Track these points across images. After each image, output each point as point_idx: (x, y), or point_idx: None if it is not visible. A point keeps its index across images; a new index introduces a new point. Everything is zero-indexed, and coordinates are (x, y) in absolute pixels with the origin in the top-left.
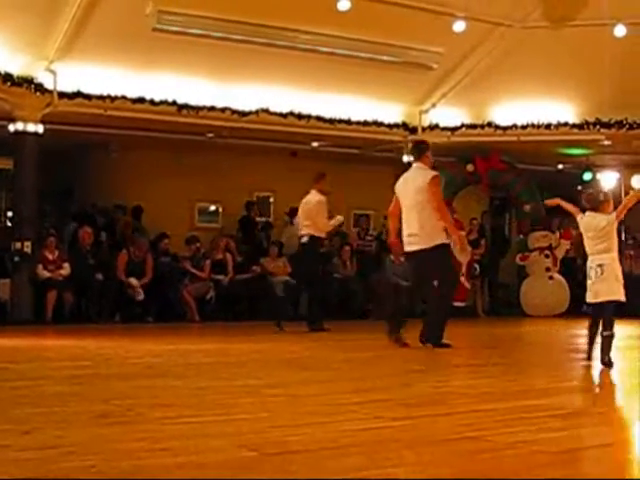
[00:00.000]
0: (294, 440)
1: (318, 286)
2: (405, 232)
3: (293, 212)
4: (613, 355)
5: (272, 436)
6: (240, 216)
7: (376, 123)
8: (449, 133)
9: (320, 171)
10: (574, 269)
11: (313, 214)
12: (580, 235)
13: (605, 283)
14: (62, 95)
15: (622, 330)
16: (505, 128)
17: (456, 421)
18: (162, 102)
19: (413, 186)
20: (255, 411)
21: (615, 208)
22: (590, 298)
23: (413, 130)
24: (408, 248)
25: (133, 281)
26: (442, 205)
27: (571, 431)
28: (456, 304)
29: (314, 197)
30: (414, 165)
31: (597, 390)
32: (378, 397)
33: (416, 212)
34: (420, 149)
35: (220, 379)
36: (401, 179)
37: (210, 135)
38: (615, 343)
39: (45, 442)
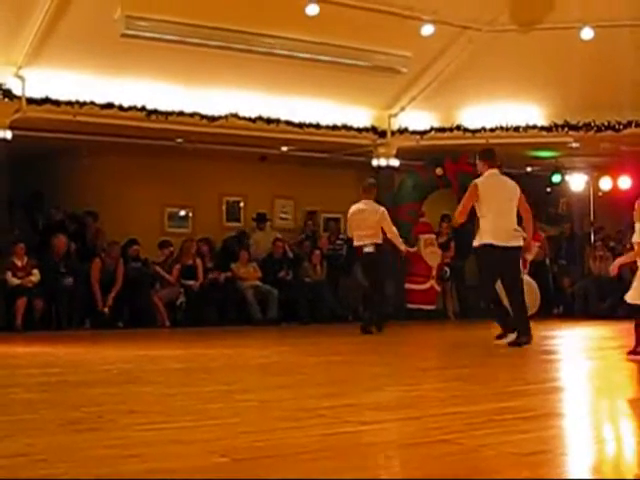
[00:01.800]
0: (265, 445)
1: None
2: (501, 229)
3: (260, 218)
4: (585, 356)
5: (243, 441)
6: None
7: (345, 127)
8: (418, 137)
9: (370, 180)
10: (544, 271)
11: (380, 223)
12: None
13: None
14: (31, 101)
15: (593, 331)
16: (474, 131)
17: (426, 424)
18: (131, 107)
19: (507, 191)
20: (225, 416)
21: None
22: None
23: (382, 134)
24: (505, 244)
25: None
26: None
27: (540, 433)
28: (426, 307)
29: (374, 207)
30: (493, 171)
31: (567, 392)
32: (348, 401)
33: (511, 214)
34: (494, 155)
35: (190, 385)
36: (490, 180)
37: (179, 140)
38: (585, 344)
39: (15, 450)
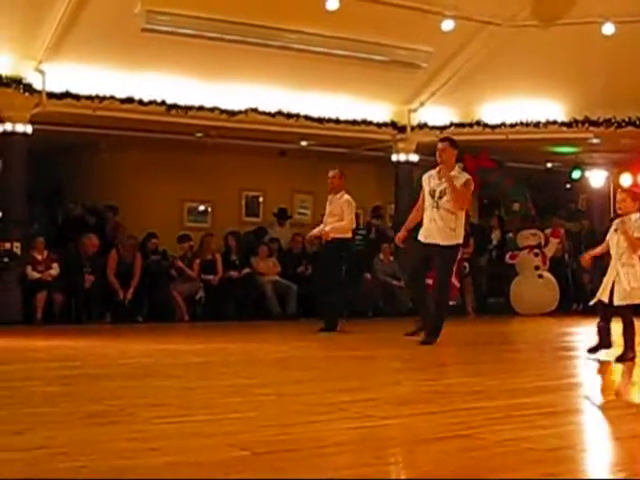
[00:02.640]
0: (285, 439)
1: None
2: None
3: (282, 213)
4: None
5: (263, 435)
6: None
7: (365, 122)
8: (438, 132)
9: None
10: (563, 267)
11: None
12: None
13: None
14: (51, 95)
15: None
16: (494, 127)
17: (446, 419)
18: (151, 102)
19: None
20: (245, 410)
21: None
22: None
23: (402, 129)
24: None
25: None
26: None
27: (559, 429)
28: None
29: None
30: None
31: (586, 389)
32: (368, 396)
33: None
34: None
35: (210, 379)
36: None
37: (199, 135)
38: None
39: (35, 443)
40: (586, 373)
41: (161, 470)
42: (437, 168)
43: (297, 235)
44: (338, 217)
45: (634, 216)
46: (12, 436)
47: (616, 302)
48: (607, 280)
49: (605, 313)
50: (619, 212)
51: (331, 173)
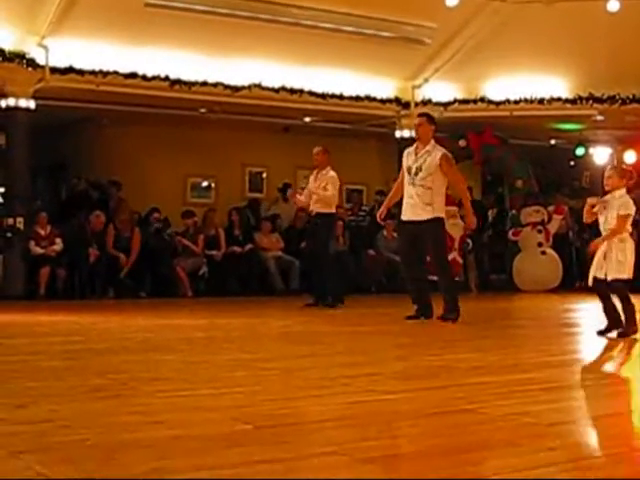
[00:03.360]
0: (288, 413)
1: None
2: None
3: (286, 188)
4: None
5: (266, 409)
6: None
7: (368, 98)
8: (442, 108)
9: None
10: (567, 244)
11: None
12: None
13: None
14: (54, 70)
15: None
16: (498, 103)
17: (449, 394)
18: (154, 77)
19: None
20: (248, 384)
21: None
22: None
23: (406, 105)
24: None
25: (122, 257)
26: None
27: (562, 404)
28: None
29: None
30: None
31: (588, 364)
32: (371, 371)
33: None
34: None
35: (213, 353)
36: None
37: (202, 110)
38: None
39: (40, 416)
40: (588, 349)
41: (164, 443)
42: (415, 144)
43: (300, 211)
44: (323, 190)
45: (618, 193)
46: (16, 409)
47: (609, 277)
48: (599, 256)
49: (604, 291)
50: (606, 188)
51: (315, 150)
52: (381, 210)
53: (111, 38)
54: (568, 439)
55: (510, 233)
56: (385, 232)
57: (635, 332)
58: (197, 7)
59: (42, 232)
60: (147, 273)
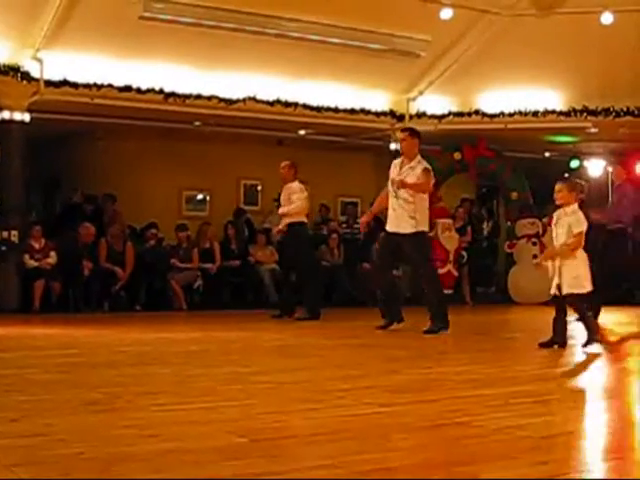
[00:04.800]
0: (283, 426)
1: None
2: None
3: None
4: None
5: (261, 422)
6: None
7: (363, 111)
8: (436, 121)
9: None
10: None
11: None
12: None
13: None
14: (49, 83)
15: (609, 317)
16: (492, 116)
17: (443, 407)
18: (149, 90)
19: None
20: (243, 398)
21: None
22: None
23: (400, 118)
24: None
25: (118, 270)
26: None
27: (557, 417)
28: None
29: None
30: None
31: (583, 376)
32: (365, 384)
33: None
34: None
35: (208, 367)
36: None
37: (197, 123)
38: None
39: (34, 430)
40: (583, 362)
41: (159, 456)
42: (401, 158)
43: None
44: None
45: (570, 209)
46: (10, 423)
47: (564, 292)
48: (552, 270)
49: (559, 305)
50: (557, 202)
51: (282, 164)
52: (366, 217)
53: (106, 51)
54: (562, 452)
55: (505, 245)
56: (377, 245)
57: (598, 341)
58: (191, 20)
59: (36, 245)
60: (142, 286)
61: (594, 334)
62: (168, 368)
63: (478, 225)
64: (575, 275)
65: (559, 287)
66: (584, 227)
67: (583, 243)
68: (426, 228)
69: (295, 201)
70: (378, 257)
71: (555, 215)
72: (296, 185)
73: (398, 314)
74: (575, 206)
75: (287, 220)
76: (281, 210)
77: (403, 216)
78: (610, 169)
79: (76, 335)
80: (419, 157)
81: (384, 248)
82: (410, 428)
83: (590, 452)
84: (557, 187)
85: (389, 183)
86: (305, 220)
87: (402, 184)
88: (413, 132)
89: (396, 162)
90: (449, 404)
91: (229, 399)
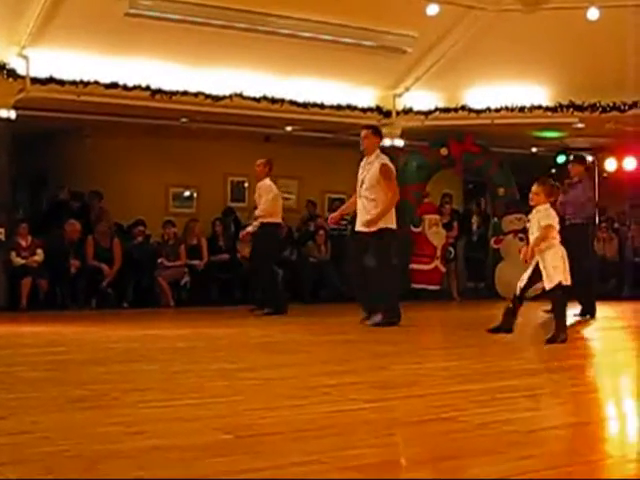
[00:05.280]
0: (269, 422)
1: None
2: None
3: None
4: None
5: (246, 419)
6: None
7: (350, 107)
8: (423, 117)
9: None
10: None
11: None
12: None
13: None
14: (35, 81)
15: (597, 311)
16: (479, 111)
17: (430, 402)
18: (135, 87)
19: None
20: (229, 394)
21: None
22: None
23: (387, 114)
24: None
25: (105, 268)
26: None
27: (543, 411)
28: (431, 287)
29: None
30: None
31: (571, 371)
32: (351, 380)
33: None
34: None
35: (194, 363)
36: None
37: (184, 120)
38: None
39: (20, 427)
40: (570, 356)
41: (145, 453)
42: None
43: (282, 220)
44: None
45: (542, 207)
46: None
47: (547, 287)
48: (528, 270)
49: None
50: (531, 203)
51: (257, 162)
52: (335, 214)
53: (92, 48)
54: (548, 446)
55: (492, 241)
56: None
57: (564, 341)
58: (177, 17)
59: (23, 243)
60: (129, 283)
61: (563, 333)
62: (155, 365)
63: (466, 219)
64: (555, 264)
65: (526, 286)
66: (552, 221)
67: (557, 236)
68: (390, 225)
69: (262, 202)
70: (352, 259)
71: (530, 216)
72: (265, 184)
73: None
74: (547, 205)
75: (260, 221)
76: (256, 212)
77: (366, 215)
78: (569, 166)
79: (63, 332)
80: (377, 152)
81: (355, 250)
82: (396, 424)
83: (577, 447)
84: (535, 189)
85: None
86: (278, 221)
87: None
88: (375, 130)
89: (362, 162)
90: (435, 399)
91: (216, 396)
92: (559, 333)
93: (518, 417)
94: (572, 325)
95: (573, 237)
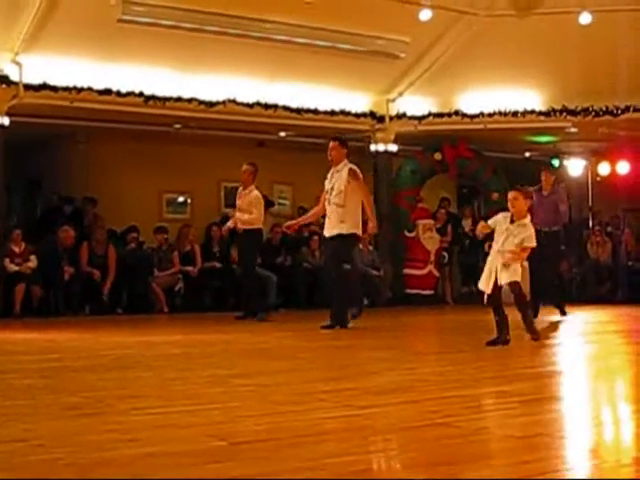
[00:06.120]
0: (263, 429)
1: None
2: None
3: (268, 202)
4: (584, 340)
5: (241, 425)
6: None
7: (343, 112)
8: (416, 122)
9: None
10: None
11: None
12: None
13: None
14: (28, 87)
15: (592, 316)
16: (472, 116)
17: (425, 408)
18: (129, 93)
19: None
20: (224, 401)
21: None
22: None
23: (380, 119)
24: None
25: (97, 273)
26: None
27: (538, 416)
28: (424, 292)
29: None
30: None
31: (565, 376)
32: (346, 386)
33: None
34: None
35: (189, 370)
36: None
37: (177, 126)
38: (583, 328)
39: (13, 435)
40: (562, 361)
41: (139, 461)
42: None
43: (276, 226)
44: (247, 212)
45: (525, 221)
46: None
47: (504, 281)
48: (489, 269)
49: (496, 305)
50: (512, 210)
51: (243, 167)
52: (293, 222)
53: (85, 54)
54: (543, 452)
55: (486, 246)
56: (361, 245)
57: (538, 338)
58: (170, 23)
59: (17, 249)
60: (123, 290)
61: (534, 333)
62: (149, 371)
63: (457, 223)
64: (515, 267)
65: (495, 283)
66: (535, 244)
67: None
68: (355, 231)
69: (255, 212)
70: (325, 268)
71: (501, 219)
72: (257, 196)
73: (344, 320)
74: (528, 219)
75: (246, 226)
76: (244, 217)
77: (333, 221)
78: (542, 175)
79: (57, 339)
80: (345, 161)
81: (326, 254)
82: (391, 429)
83: (571, 452)
84: (512, 195)
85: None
86: (262, 227)
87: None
88: (342, 142)
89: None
90: (430, 405)
91: (210, 402)
92: (533, 332)
93: (512, 422)
94: (556, 326)
95: (550, 244)
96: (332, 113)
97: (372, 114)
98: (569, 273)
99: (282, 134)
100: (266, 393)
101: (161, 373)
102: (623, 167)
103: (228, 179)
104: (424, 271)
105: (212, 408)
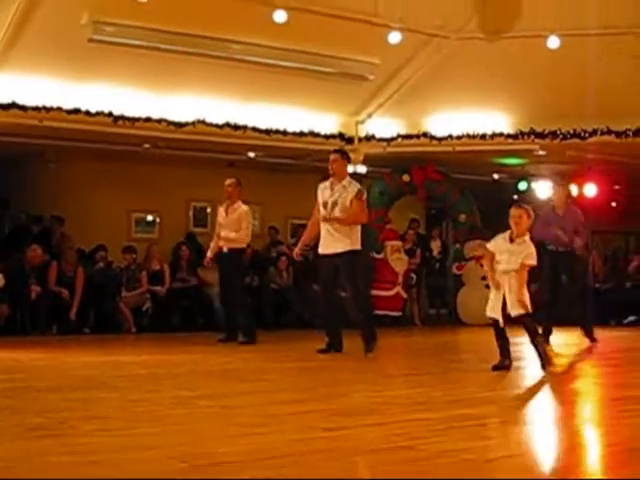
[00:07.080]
0: (226, 451)
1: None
2: None
3: None
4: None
5: (204, 447)
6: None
7: (312, 133)
8: (385, 144)
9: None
10: None
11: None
12: None
13: None
14: None
15: (560, 338)
16: (441, 139)
17: (389, 430)
18: (98, 113)
19: None
20: (188, 422)
21: None
22: None
23: (349, 140)
24: None
25: (65, 292)
26: None
27: (501, 439)
28: (392, 313)
29: None
30: None
31: (529, 399)
32: (312, 407)
33: None
34: None
35: (154, 391)
36: None
37: (146, 146)
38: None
39: None
40: (529, 383)
41: None
42: (330, 180)
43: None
44: (234, 229)
45: (528, 240)
46: None
47: (513, 314)
48: (496, 296)
49: (500, 330)
50: (515, 228)
51: (227, 182)
52: (297, 249)
53: (54, 74)
54: (506, 475)
55: (454, 267)
56: None
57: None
58: (140, 43)
59: None
60: (91, 309)
61: (546, 359)
62: (114, 392)
63: (425, 245)
64: (519, 298)
65: (503, 310)
66: (535, 262)
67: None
68: (359, 247)
69: (244, 229)
70: (322, 286)
71: (500, 241)
72: (245, 208)
73: (338, 343)
74: (528, 236)
75: (230, 245)
76: (231, 235)
77: (336, 237)
78: (553, 192)
79: (22, 359)
80: (349, 177)
81: (325, 276)
82: (354, 452)
83: (535, 474)
84: (516, 212)
85: (318, 207)
86: (244, 246)
87: (339, 220)
88: (344, 154)
89: (325, 184)
90: (394, 428)
91: (174, 424)
92: (543, 361)
93: (475, 445)
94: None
95: (571, 263)
96: (301, 134)
97: (341, 135)
98: (536, 295)
99: (251, 155)
100: (230, 415)
101: (126, 394)
102: (590, 190)
103: (197, 199)
104: (392, 292)
105: (175, 430)
